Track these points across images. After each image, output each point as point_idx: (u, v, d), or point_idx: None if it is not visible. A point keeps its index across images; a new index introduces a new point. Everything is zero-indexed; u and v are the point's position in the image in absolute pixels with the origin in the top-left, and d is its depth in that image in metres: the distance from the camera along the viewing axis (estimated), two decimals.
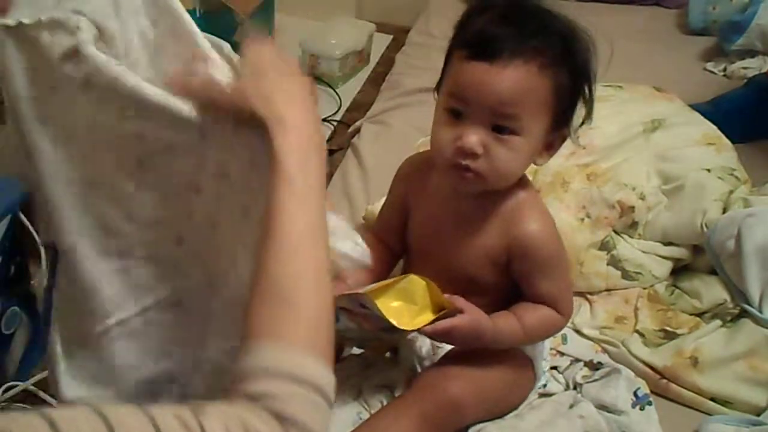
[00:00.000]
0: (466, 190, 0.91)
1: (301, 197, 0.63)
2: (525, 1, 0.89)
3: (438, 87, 0.93)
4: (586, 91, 0.90)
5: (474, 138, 0.85)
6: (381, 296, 0.88)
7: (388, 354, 1.07)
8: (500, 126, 0.85)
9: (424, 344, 1.04)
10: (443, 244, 0.98)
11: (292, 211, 0.62)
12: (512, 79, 0.83)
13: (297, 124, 0.65)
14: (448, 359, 1.00)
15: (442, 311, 0.90)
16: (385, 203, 1.10)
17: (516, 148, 0.86)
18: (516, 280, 0.97)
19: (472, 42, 0.85)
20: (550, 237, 0.95)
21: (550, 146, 0.92)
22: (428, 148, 0.96)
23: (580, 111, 0.92)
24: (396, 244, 1.06)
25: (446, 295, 0.90)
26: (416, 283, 0.90)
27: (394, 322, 0.87)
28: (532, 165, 0.94)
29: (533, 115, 0.85)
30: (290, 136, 0.64)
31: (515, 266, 0.95)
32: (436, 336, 0.92)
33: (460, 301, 0.90)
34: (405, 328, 0.88)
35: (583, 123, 0.92)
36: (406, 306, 0.89)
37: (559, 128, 0.90)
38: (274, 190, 0.62)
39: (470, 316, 0.90)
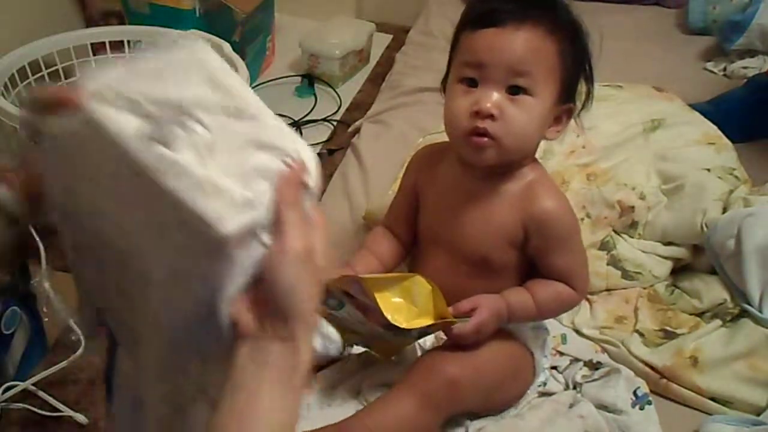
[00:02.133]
0: (482, 160, 0.93)
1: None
2: None
3: (445, 80, 0.97)
4: (587, 67, 0.95)
5: (490, 100, 0.89)
6: (382, 290, 0.88)
7: (394, 358, 1.07)
8: (514, 86, 0.89)
9: (428, 338, 1.05)
10: (456, 226, 0.99)
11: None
12: (523, 38, 0.88)
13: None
14: (448, 344, 1.01)
15: (441, 320, 0.90)
16: (396, 195, 1.12)
17: (529, 108, 0.90)
18: (531, 258, 0.98)
19: (479, 16, 0.91)
20: (566, 213, 0.97)
21: (558, 120, 0.95)
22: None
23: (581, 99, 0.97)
24: (406, 235, 1.08)
25: (450, 308, 0.91)
26: (422, 285, 0.90)
27: (389, 317, 0.87)
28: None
29: (544, 77, 0.90)
30: (309, 344, 0.52)
31: (532, 243, 0.97)
32: (464, 338, 0.94)
33: (464, 304, 0.92)
34: (399, 325, 0.88)
35: (584, 106, 0.97)
36: (405, 305, 0.89)
37: (565, 101, 0.94)
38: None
39: (486, 308, 0.93)
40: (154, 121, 0.49)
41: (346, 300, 0.92)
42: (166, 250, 0.50)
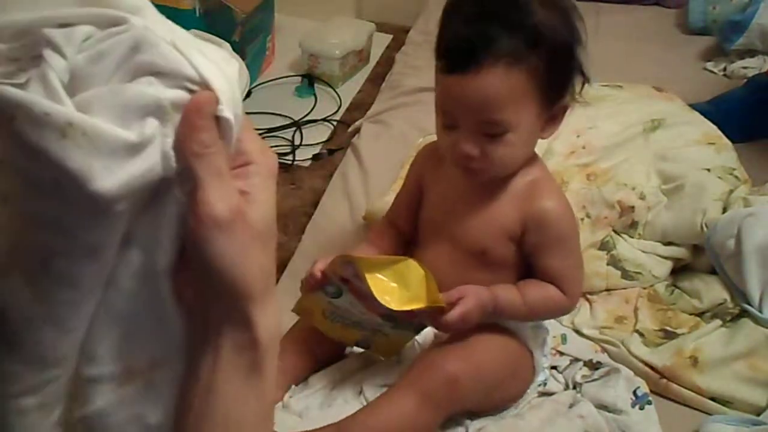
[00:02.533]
0: (477, 181, 0.95)
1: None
2: None
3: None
4: (573, 61, 0.91)
5: (468, 146, 0.89)
6: (374, 271, 0.88)
7: (394, 358, 1.07)
8: (490, 130, 0.88)
9: (427, 336, 1.05)
10: (457, 219, 1.00)
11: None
12: (487, 86, 0.85)
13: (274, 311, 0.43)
14: (447, 341, 1.01)
15: (433, 305, 0.90)
16: (401, 188, 1.12)
17: (511, 143, 0.89)
18: (527, 255, 0.98)
19: (445, 53, 0.89)
20: (565, 214, 0.97)
21: (553, 119, 0.94)
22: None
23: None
24: (407, 226, 1.09)
25: (442, 294, 0.91)
26: (414, 269, 0.90)
27: (379, 298, 0.87)
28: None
29: (518, 111, 0.87)
30: (270, 318, 0.42)
31: (529, 239, 0.97)
32: (450, 326, 0.94)
33: (452, 293, 0.92)
34: (389, 306, 0.87)
35: (583, 86, 0.94)
36: (398, 288, 0.89)
37: (555, 103, 0.92)
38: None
39: (472, 297, 0.93)
40: None
41: (345, 287, 0.92)
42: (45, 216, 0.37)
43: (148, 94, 0.36)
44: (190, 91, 0.37)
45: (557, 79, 0.90)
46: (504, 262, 0.99)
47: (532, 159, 0.98)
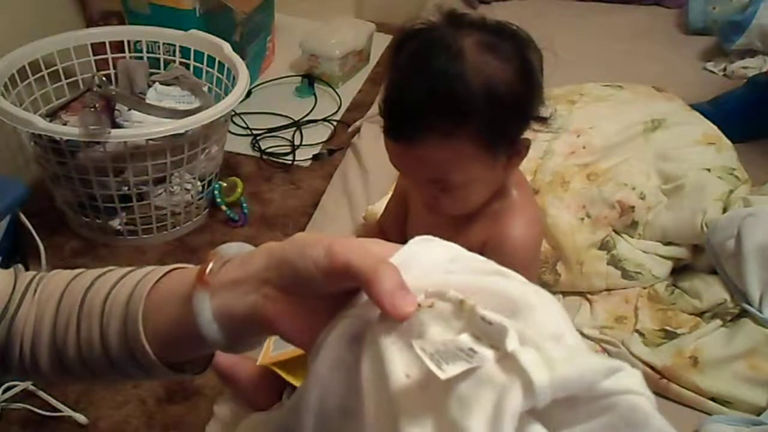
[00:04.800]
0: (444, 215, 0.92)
1: None
2: (424, 49, 0.82)
3: None
4: (523, 108, 0.83)
5: (422, 195, 0.88)
6: (296, 373, 0.85)
7: None
8: (439, 186, 0.86)
9: None
10: (431, 234, 0.99)
11: None
12: (426, 155, 0.81)
13: None
14: None
15: None
16: (391, 197, 1.12)
17: (463, 195, 0.87)
18: None
19: (387, 117, 0.84)
20: (526, 246, 0.93)
21: (517, 155, 0.87)
22: None
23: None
24: (395, 236, 1.08)
25: None
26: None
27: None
28: (531, 164, 0.94)
29: (465, 170, 0.84)
30: None
31: None
32: None
33: None
34: None
35: (547, 119, 0.87)
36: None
37: (510, 148, 0.86)
38: None
39: None
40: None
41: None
42: None
43: None
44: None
45: (504, 131, 0.83)
46: None
47: (504, 187, 0.93)
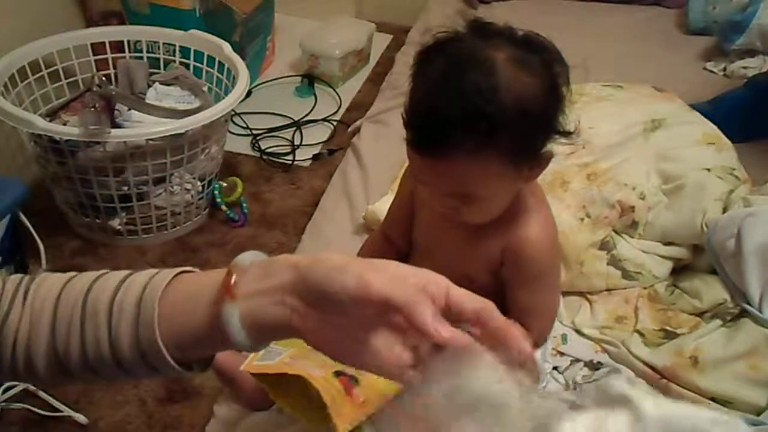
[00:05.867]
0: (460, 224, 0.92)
1: None
2: (454, 62, 0.80)
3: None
4: (549, 124, 0.83)
5: (441, 206, 0.87)
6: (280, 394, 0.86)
7: None
8: (462, 199, 0.85)
9: None
10: (443, 247, 0.99)
11: None
12: (450, 170, 0.81)
13: None
14: None
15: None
16: (393, 200, 1.11)
17: (486, 207, 0.86)
18: (504, 285, 0.96)
19: (408, 128, 0.83)
20: (545, 249, 0.93)
21: (538, 166, 0.87)
22: None
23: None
24: (401, 241, 1.07)
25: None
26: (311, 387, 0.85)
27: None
28: None
29: (489, 185, 0.83)
30: None
31: (505, 270, 0.94)
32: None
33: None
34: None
35: (571, 133, 0.86)
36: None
37: (530, 162, 0.85)
38: None
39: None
40: None
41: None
42: None
43: None
44: None
45: (530, 147, 0.83)
46: (491, 291, 0.97)
47: (521, 191, 0.92)
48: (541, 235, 0.92)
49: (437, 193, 0.86)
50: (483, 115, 0.76)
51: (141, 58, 1.78)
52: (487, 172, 0.81)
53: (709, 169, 1.28)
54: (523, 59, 0.78)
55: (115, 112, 1.60)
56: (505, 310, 0.94)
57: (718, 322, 1.15)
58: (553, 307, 1.00)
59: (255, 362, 0.92)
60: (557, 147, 1.24)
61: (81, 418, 1.22)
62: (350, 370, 0.87)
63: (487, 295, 0.96)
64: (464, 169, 0.80)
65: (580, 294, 1.24)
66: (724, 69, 1.90)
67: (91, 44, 1.73)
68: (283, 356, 0.91)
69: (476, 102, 0.76)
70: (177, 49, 1.76)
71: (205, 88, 1.72)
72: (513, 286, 0.94)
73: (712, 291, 1.19)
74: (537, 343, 0.98)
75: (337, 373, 0.87)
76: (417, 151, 0.82)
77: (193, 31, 1.74)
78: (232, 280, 0.49)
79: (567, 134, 0.84)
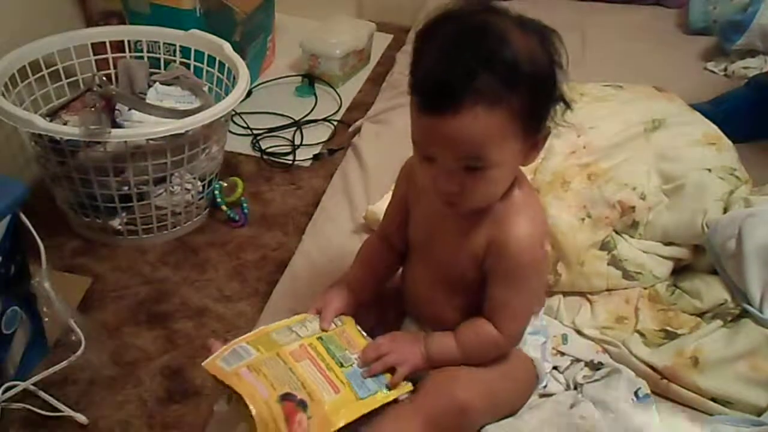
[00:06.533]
0: (456, 213, 0.92)
1: None
2: (466, 25, 0.83)
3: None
4: (554, 91, 0.86)
5: (448, 183, 0.86)
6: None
7: None
8: (471, 164, 0.84)
9: None
10: (437, 243, 0.99)
11: None
12: (466, 127, 0.80)
13: None
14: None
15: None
16: (390, 201, 1.10)
17: (492, 178, 0.86)
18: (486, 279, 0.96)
19: (420, 91, 0.84)
20: (528, 247, 0.92)
21: (534, 147, 0.89)
22: None
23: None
24: (399, 242, 1.07)
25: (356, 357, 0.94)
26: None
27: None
28: (531, 164, 0.93)
29: (500, 148, 0.83)
30: None
31: (486, 263, 0.94)
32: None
33: (369, 353, 0.95)
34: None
35: (565, 111, 0.89)
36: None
37: (536, 134, 0.87)
38: None
39: (406, 367, 0.94)
40: None
41: None
42: None
43: None
44: None
45: (538, 111, 0.86)
46: (478, 287, 0.96)
47: (517, 178, 0.93)
48: (526, 233, 0.92)
49: (444, 167, 0.85)
50: (505, 63, 0.79)
51: (141, 57, 1.77)
52: (501, 131, 0.82)
53: (709, 170, 1.27)
54: (530, 29, 0.84)
55: (116, 112, 1.60)
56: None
57: (719, 322, 1.15)
58: (528, 312, 0.98)
59: (218, 361, 0.91)
60: (557, 147, 1.24)
61: (81, 418, 1.22)
62: (300, 394, 0.87)
63: (479, 292, 0.97)
64: (481, 125, 0.80)
65: (581, 294, 1.24)
66: (725, 69, 1.90)
67: (92, 44, 1.73)
68: (242, 364, 0.90)
69: (500, 49, 0.79)
70: (177, 48, 1.76)
71: (206, 88, 1.72)
72: (491, 281, 0.94)
73: (712, 291, 1.19)
74: (507, 347, 0.98)
75: (285, 396, 0.87)
76: (431, 111, 0.82)
77: (193, 30, 1.74)
78: None
79: (567, 105, 0.88)
